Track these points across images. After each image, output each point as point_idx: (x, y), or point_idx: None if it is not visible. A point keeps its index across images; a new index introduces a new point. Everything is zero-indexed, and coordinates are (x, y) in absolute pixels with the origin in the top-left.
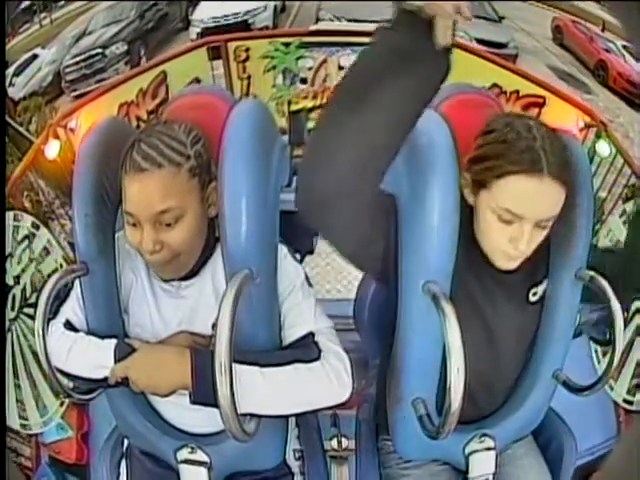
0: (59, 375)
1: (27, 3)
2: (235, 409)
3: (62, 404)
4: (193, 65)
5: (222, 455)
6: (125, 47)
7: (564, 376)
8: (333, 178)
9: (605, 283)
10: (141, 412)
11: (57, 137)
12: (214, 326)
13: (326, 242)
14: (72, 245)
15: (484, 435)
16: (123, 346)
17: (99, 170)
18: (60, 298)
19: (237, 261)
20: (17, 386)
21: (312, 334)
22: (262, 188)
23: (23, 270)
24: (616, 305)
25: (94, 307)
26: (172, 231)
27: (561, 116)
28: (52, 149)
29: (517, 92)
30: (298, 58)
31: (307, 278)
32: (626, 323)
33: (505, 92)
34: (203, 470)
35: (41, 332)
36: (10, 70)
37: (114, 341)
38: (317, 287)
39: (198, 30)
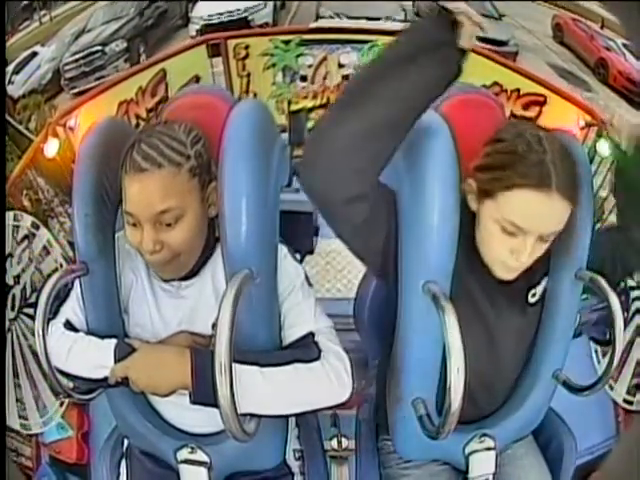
0: (59, 375)
1: (27, 2)
2: (235, 409)
3: (62, 404)
4: (192, 63)
5: (222, 455)
6: (124, 44)
7: (564, 376)
8: (331, 162)
9: (605, 283)
10: (141, 412)
11: (56, 136)
12: (214, 326)
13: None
14: (72, 244)
15: (484, 435)
16: (123, 346)
17: (99, 170)
18: (60, 298)
19: (237, 261)
20: (17, 386)
21: (312, 334)
22: (262, 188)
23: (23, 270)
24: (616, 305)
25: (94, 307)
26: (172, 231)
27: (562, 115)
28: (51, 148)
29: (518, 91)
30: (298, 56)
31: (307, 278)
32: (626, 323)
33: (506, 90)
34: (203, 470)
35: (41, 332)
36: (9, 68)
37: (114, 341)
38: (317, 286)
39: (197, 27)
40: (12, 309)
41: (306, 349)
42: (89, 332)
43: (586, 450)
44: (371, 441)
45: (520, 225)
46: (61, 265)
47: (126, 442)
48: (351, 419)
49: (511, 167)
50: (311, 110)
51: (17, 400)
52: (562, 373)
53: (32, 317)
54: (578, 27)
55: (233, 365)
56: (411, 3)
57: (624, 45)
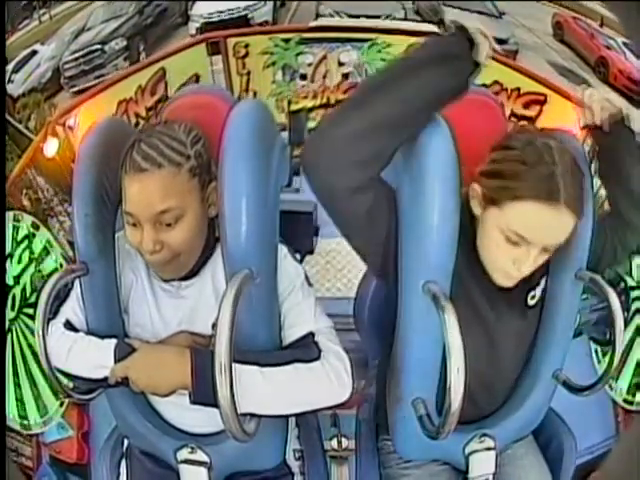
0: (59, 375)
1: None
2: (235, 409)
3: (62, 404)
4: (192, 61)
5: (222, 455)
6: (124, 43)
7: (564, 376)
8: (333, 151)
9: (605, 283)
10: (141, 412)
11: (56, 135)
12: (214, 326)
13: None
14: (71, 243)
15: (484, 435)
16: (123, 346)
17: (99, 170)
18: (60, 298)
19: (237, 261)
20: (17, 386)
21: (312, 334)
22: (262, 188)
23: (23, 270)
24: (616, 305)
25: (94, 307)
26: (172, 231)
27: (562, 114)
28: (51, 147)
29: (518, 89)
30: (298, 54)
31: (307, 278)
32: (626, 323)
33: (506, 89)
34: (203, 470)
35: (41, 332)
36: (9, 67)
37: (114, 341)
38: (317, 286)
39: (197, 25)
40: (12, 309)
41: (306, 349)
42: (89, 332)
43: (586, 450)
44: (371, 441)
45: (525, 236)
46: (61, 265)
47: (126, 442)
48: (351, 419)
49: (520, 178)
50: (311, 110)
51: (17, 400)
52: (562, 373)
53: (32, 317)
54: (578, 25)
55: (233, 365)
56: (411, 2)
57: (624, 44)
